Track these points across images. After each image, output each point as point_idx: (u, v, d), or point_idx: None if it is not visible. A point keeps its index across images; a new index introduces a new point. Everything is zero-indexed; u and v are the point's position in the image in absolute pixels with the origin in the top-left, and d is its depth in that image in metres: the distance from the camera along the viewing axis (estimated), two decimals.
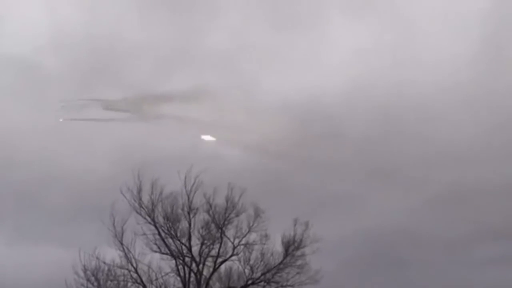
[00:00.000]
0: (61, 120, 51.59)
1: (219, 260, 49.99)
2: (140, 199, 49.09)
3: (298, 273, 50.08)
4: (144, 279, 48.83)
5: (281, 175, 57.40)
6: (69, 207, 58.29)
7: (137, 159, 54.02)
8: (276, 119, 57.20)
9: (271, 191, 54.27)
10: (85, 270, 47.96)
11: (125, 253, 48.47)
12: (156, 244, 49.30)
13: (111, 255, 48.79)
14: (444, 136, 61.85)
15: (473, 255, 61.51)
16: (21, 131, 59.13)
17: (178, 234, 49.62)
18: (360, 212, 60.20)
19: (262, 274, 50.10)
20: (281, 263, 50.09)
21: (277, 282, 50.10)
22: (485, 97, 61.77)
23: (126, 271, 48.70)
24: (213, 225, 50.07)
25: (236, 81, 55.28)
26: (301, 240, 50.02)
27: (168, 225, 49.57)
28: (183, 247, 49.62)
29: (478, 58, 60.87)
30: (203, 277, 49.62)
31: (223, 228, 50.03)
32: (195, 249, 49.72)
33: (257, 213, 50.08)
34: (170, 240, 49.54)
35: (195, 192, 49.58)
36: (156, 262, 49.24)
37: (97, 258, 47.99)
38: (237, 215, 50.07)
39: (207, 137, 52.50)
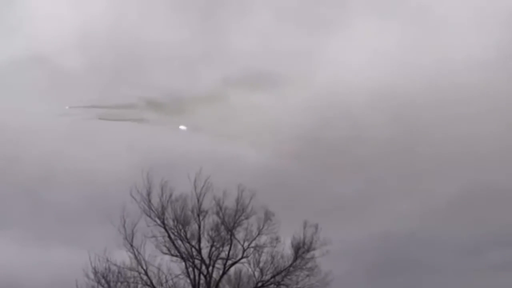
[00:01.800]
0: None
1: (229, 262, 49.91)
2: (150, 201, 49.11)
3: (308, 275, 49.97)
4: (154, 281, 48.80)
5: (294, 177, 57.47)
6: (82, 209, 58.59)
7: (154, 161, 54.22)
8: (296, 120, 57.26)
9: (281, 193, 54.31)
10: (95, 272, 48.08)
11: (135, 255, 48.55)
12: (166, 246, 49.37)
13: (122, 257, 49.04)
14: (465, 138, 61.62)
15: (486, 259, 61.10)
16: (38, 131, 59.55)
17: (188, 236, 49.58)
18: (375, 215, 60.08)
19: (272, 277, 49.98)
20: (290, 265, 49.92)
21: (287, 285, 49.93)
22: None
23: (136, 273, 48.74)
24: (222, 228, 49.99)
25: (261, 81, 55.19)
26: (311, 243, 49.87)
27: (178, 228, 49.55)
28: (193, 249, 49.58)
29: (504, 58, 60.52)
30: (213, 279, 49.55)
31: (233, 231, 49.94)
32: (205, 252, 49.73)
33: (267, 216, 50.02)
34: (180, 242, 49.53)
35: (204, 195, 49.63)
36: (166, 264, 49.32)
37: (108, 260, 48.08)
38: (246, 218, 50.00)
39: (182, 127, 52.75)
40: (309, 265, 49.94)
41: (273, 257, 50.08)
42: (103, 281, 48.11)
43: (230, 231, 49.96)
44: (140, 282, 48.79)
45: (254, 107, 55.81)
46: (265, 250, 50.07)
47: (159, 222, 49.22)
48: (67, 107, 54.15)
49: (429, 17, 63.68)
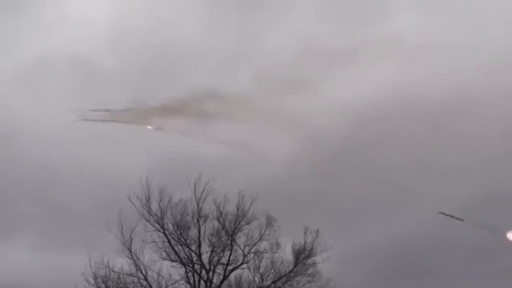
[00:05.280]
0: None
1: (229, 268, 49.70)
2: (150, 206, 49.04)
3: (309, 281, 49.48)
4: (154, 286, 48.69)
5: (297, 182, 56.68)
6: (88, 213, 58.61)
7: (153, 165, 53.90)
8: (316, 123, 56.47)
9: (283, 198, 53.55)
10: (95, 277, 48.22)
11: (134, 261, 48.53)
12: (165, 251, 49.29)
13: (123, 262, 49.01)
14: (494, 142, 60.16)
15: (500, 264, 59.42)
16: (58, 133, 59.76)
17: (188, 242, 49.44)
18: (381, 220, 58.99)
19: (272, 282, 49.64)
20: (291, 271, 49.49)
21: None
22: None
23: (135, 279, 48.71)
24: (223, 233, 49.81)
25: (296, 82, 54.53)
26: (311, 249, 49.34)
27: (177, 233, 49.40)
28: (193, 254, 49.45)
29: None
30: (213, 284, 49.31)
31: (234, 236, 49.67)
32: (205, 257, 49.59)
33: (269, 222, 49.71)
34: (180, 248, 49.43)
35: (205, 200, 49.46)
36: (166, 269, 49.17)
37: (106, 266, 48.11)
38: (247, 223, 49.75)
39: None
40: (310, 271, 49.52)
41: (273, 263, 49.79)
42: (103, 286, 48.23)
43: (231, 236, 49.69)
44: (139, 287, 48.76)
45: (280, 109, 55.10)
46: (266, 255, 49.83)
47: (158, 227, 49.18)
48: (74, 114, 54.01)
49: (469, 15, 62.23)
